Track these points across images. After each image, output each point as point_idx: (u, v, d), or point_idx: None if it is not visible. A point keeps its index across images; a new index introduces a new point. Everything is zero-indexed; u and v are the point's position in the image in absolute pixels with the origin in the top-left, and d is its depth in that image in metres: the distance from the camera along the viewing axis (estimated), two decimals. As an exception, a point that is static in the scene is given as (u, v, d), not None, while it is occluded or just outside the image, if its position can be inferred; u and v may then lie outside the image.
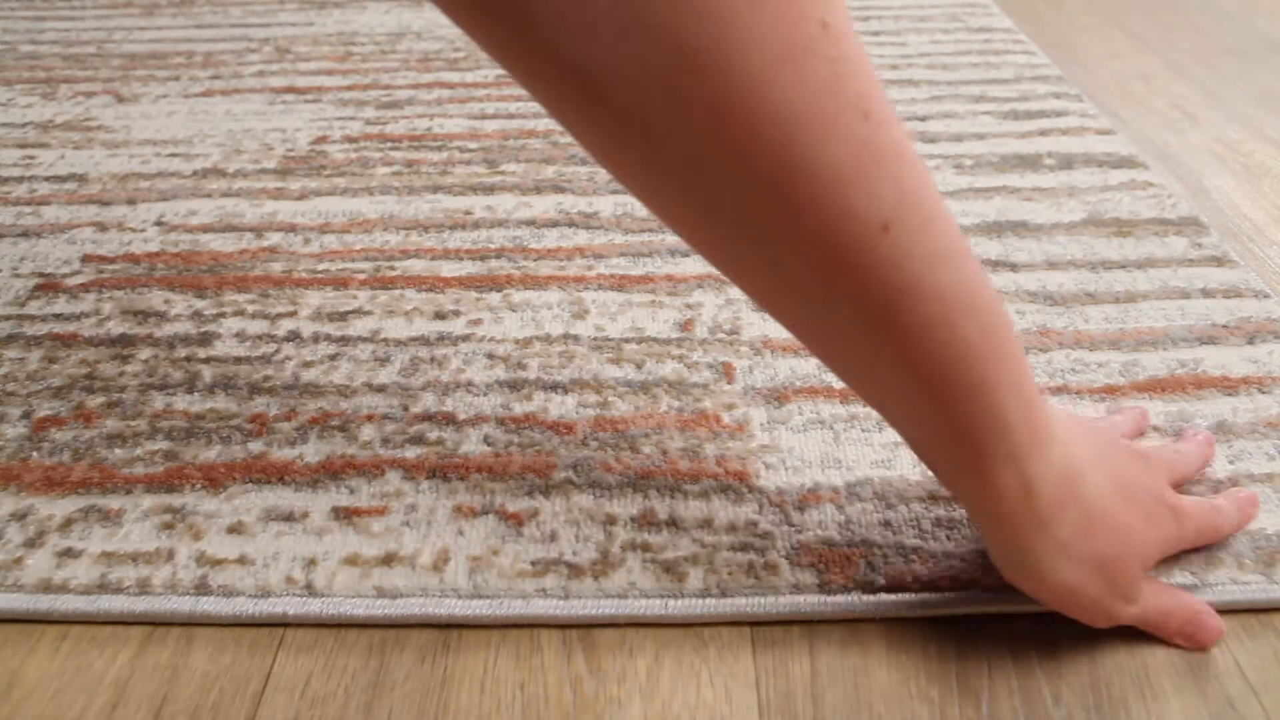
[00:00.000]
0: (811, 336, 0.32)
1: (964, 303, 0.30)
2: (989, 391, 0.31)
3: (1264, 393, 0.48)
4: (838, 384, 0.49)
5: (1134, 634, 0.38)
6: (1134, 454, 0.39)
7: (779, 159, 0.26)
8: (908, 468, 0.44)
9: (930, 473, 0.40)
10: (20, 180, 0.70)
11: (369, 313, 0.55)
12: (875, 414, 0.47)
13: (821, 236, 0.27)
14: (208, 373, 0.51)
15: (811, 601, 0.38)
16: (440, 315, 0.55)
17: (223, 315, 0.55)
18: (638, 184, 0.30)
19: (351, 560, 0.40)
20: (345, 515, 0.42)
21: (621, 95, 0.26)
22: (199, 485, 0.44)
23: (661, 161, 0.27)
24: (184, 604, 0.39)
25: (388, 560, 0.40)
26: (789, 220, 0.27)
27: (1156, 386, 0.49)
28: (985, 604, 0.38)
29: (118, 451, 0.46)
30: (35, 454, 0.46)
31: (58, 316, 0.55)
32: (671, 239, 0.61)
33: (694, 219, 0.29)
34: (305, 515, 0.42)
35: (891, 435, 0.46)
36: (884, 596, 0.39)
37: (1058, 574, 0.34)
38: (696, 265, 0.59)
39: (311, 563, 0.40)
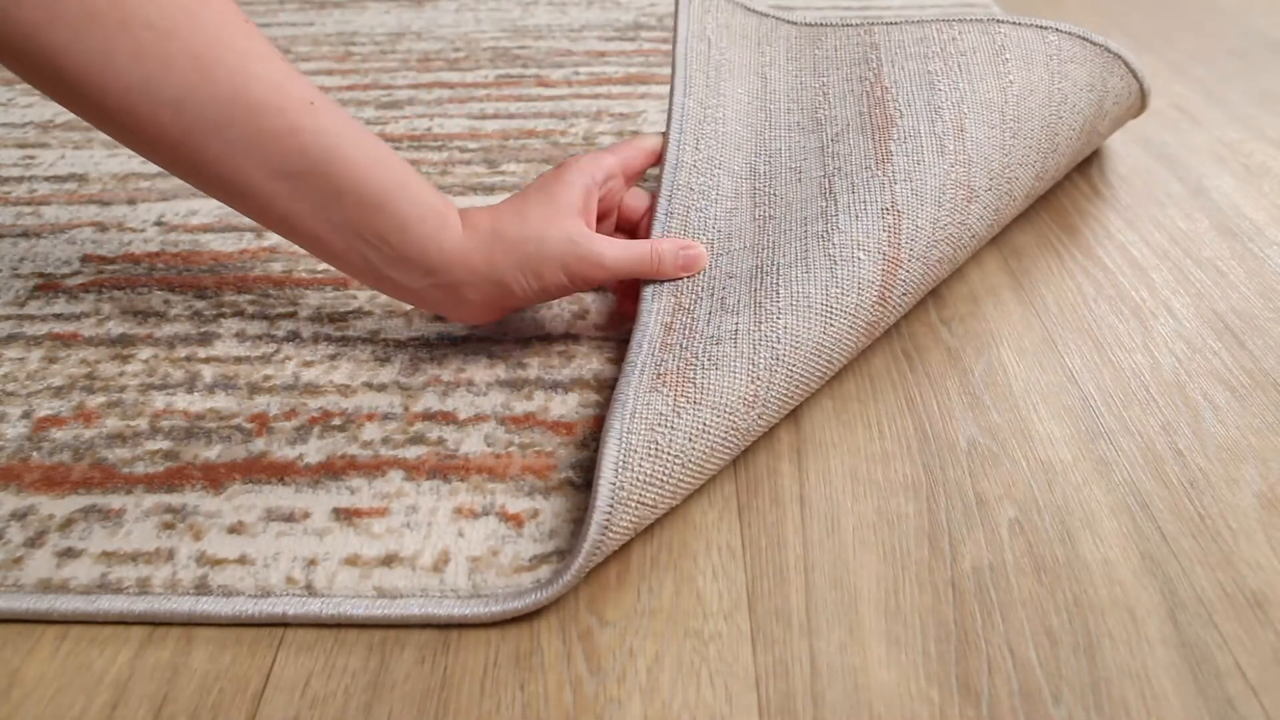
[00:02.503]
0: (277, 207, 0.44)
1: (375, 141, 0.44)
2: (412, 185, 0.44)
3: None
4: (838, 384, 0.49)
5: (1133, 634, 0.38)
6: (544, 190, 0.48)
7: (239, 75, 0.41)
8: (907, 468, 0.44)
9: None
10: (20, 180, 0.70)
11: (369, 313, 0.55)
12: (875, 414, 0.47)
13: (276, 112, 0.41)
14: (208, 373, 0.51)
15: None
16: (440, 315, 0.55)
17: (223, 315, 0.55)
18: (132, 128, 0.41)
19: (352, 561, 0.40)
20: (346, 516, 0.42)
21: (120, 64, 0.40)
22: (199, 485, 0.44)
23: (152, 98, 0.40)
24: (184, 604, 0.39)
25: (388, 561, 0.40)
26: (251, 106, 0.41)
27: (1156, 386, 0.49)
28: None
29: (118, 451, 0.46)
30: (35, 454, 0.46)
31: (58, 316, 0.55)
32: (671, 239, 0.61)
33: (178, 139, 0.41)
34: (306, 515, 0.43)
35: (891, 435, 0.46)
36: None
37: (522, 277, 0.46)
38: (696, 265, 0.59)
39: (312, 563, 0.40)
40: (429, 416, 0.48)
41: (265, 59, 0.41)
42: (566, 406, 0.48)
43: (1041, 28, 0.58)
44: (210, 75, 0.40)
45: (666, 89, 0.82)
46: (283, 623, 0.39)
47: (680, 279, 0.48)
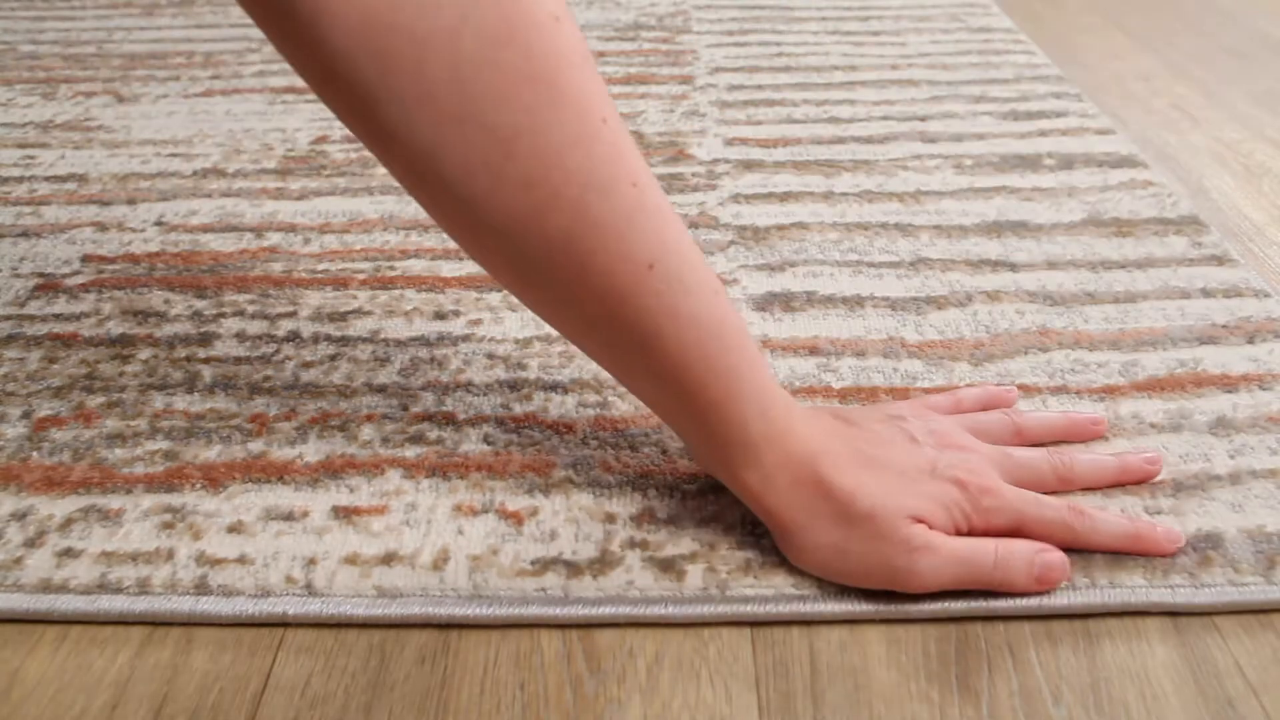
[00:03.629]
0: (599, 355, 0.39)
1: (713, 326, 0.37)
2: (730, 400, 0.37)
3: (1265, 389, 0.48)
4: (837, 384, 0.49)
5: (1134, 634, 0.38)
6: (892, 432, 0.41)
7: (572, 215, 0.34)
8: (907, 468, 0.44)
9: None
10: (20, 180, 0.70)
11: (369, 313, 0.55)
12: (875, 414, 0.47)
13: (604, 273, 0.35)
14: (208, 373, 0.51)
15: (811, 599, 0.38)
16: (440, 315, 0.55)
17: (223, 315, 0.55)
18: (464, 241, 0.37)
19: (351, 559, 0.40)
20: (345, 514, 0.42)
21: (450, 169, 0.33)
22: (199, 485, 0.44)
23: (481, 222, 0.34)
24: (184, 604, 0.39)
25: (388, 559, 0.40)
26: (579, 262, 0.34)
27: (1156, 386, 0.49)
28: (985, 604, 0.38)
29: (118, 451, 0.46)
30: (35, 454, 0.46)
31: (58, 316, 0.55)
32: (671, 239, 0.61)
33: (508, 267, 0.36)
34: (305, 514, 0.42)
35: (891, 435, 0.46)
36: (883, 596, 0.39)
37: (820, 549, 0.38)
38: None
39: (311, 562, 0.40)
40: (428, 417, 0.48)
41: (614, 187, 0.34)
42: (566, 407, 0.48)
43: None
44: (541, 211, 0.34)
45: (666, 89, 0.83)
46: (283, 623, 0.39)
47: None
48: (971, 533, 0.39)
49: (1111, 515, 0.40)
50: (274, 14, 0.31)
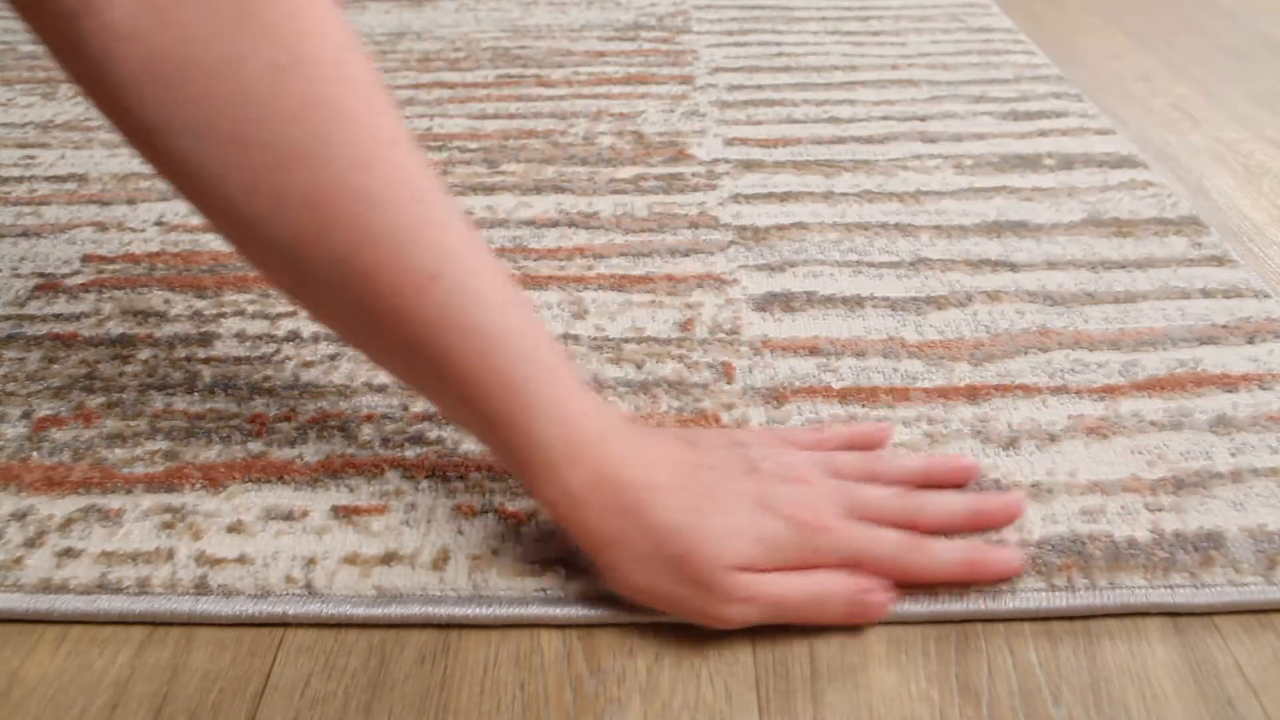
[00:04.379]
0: (396, 371, 0.40)
1: (502, 336, 0.36)
2: (525, 414, 0.36)
3: (1265, 389, 0.48)
4: (836, 385, 0.49)
5: (1134, 634, 0.38)
6: (732, 462, 0.39)
7: (353, 232, 0.34)
8: (907, 468, 0.44)
9: None
10: (20, 180, 0.70)
11: (369, 313, 0.55)
12: (874, 415, 0.47)
13: (388, 288, 0.35)
14: (208, 373, 0.51)
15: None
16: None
17: (223, 315, 0.55)
18: (254, 261, 0.37)
19: (351, 559, 0.40)
20: (345, 514, 0.42)
21: (235, 191, 0.34)
22: (199, 485, 0.44)
23: (267, 241, 0.35)
24: (184, 604, 0.39)
25: (387, 559, 0.40)
26: (363, 277, 0.35)
27: (1156, 385, 0.49)
28: (983, 610, 0.38)
29: (118, 451, 0.46)
30: (35, 454, 0.46)
31: (58, 316, 0.55)
32: (671, 239, 0.61)
33: (300, 288, 0.37)
34: (305, 514, 0.43)
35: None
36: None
37: (631, 574, 0.36)
38: (696, 265, 0.59)
39: (311, 562, 0.40)
40: (428, 417, 0.48)
41: (394, 204, 0.34)
42: (566, 406, 0.48)
43: None
44: (325, 230, 0.34)
45: (666, 89, 0.83)
46: (283, 623, 0.39)
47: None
48: (801, 568, 0.37)
49: (947, 545, 0.38)
50: (66, 50, 0.33)
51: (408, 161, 0.35)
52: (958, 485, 0.43)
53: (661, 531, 0.36)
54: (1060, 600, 0.38)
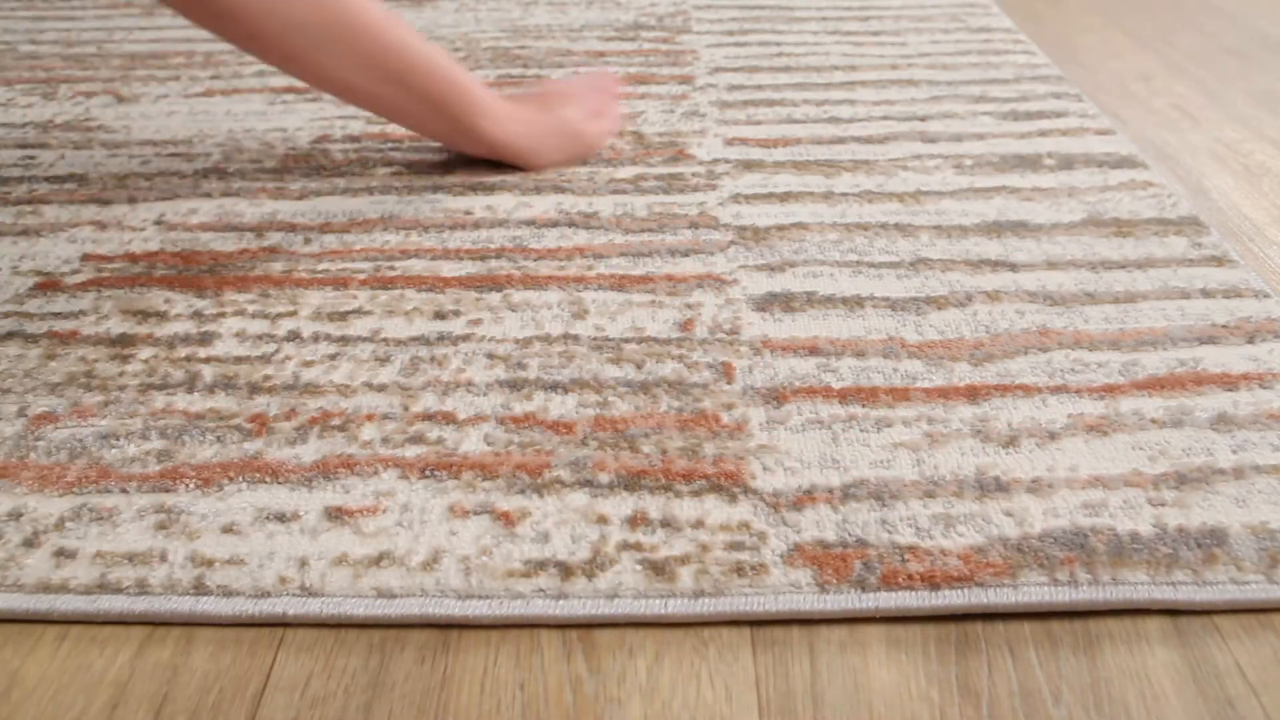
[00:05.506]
0: (371, 100, 0.62)
1: (437, 55, 0.62)
2: (464, 91, 0.64)
3: (1265, 388, 0.48)
4: (836, 384, 0.49)
5: (1134, 634, 0.38)
6: (560, 97, 0.72)
7: (353, 19, 0.57)
8: (906, 468, 0.44)
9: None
10: (20, 180, 0.70)
11: (369, 313, 0.55)
12: (874, 415, 0.47)
13: (373, 36, 0.58)
14: (208, 372, 0.51)
15: (808, 601, 0.38)
16: (440, 315, 0.55)
17: (223, 315, 0.55)
18: (268, 53, 0.58)
19: (344, 560, 0.40)
20: (338, 515, 0.42)
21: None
22: (193, 485, 0.44)
23: (278, 32, 0.55)
24: (183, 604, 0.39)
25: (380, 560, 0.40)
26: (349, 32, 0.58)
27: (1156, 385, 0.49)
28: (985, 603, 0.38)
29: (114, 450, 0.46)
30: (32, 453, 0.46)
31: (57, 315, 0.55)
32: (671, 239, 0.61)
33: (299, 54, 0.57)
34: (298, 515, 0.42)
35: (890, 436, 0.46)
36: (881, 594, 0.39)
37: (545, 155, 0.70)
38: (696, 265, 0.59)
39: (303, 563, 0.40)
40: (428, 416, 0.48)
41: (396, 26, 0.59)
42: (566, 406, 0.48)
43: None
44: (321, 5, 0.55)
45: (666, 89, 0.83)
46: (282, 623, 0.39)
47: None
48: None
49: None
50: None
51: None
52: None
53: (553, 122, 0.69)
54: (1063, 595, 0.38)
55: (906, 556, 0.40)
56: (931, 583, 0.39)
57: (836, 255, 0.59)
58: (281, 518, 0.42)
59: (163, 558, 0.41)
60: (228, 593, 0.39)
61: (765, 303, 0.55)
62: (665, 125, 0.76)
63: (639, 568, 0.40)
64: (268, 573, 0.40)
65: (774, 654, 0.37)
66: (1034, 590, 0.39)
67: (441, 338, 0.53)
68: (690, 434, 0.46)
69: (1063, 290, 0.56)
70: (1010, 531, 0.41)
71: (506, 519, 0.42)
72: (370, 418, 0.48)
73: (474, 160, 0.71)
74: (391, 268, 0.59)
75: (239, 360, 0.52)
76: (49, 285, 0.58)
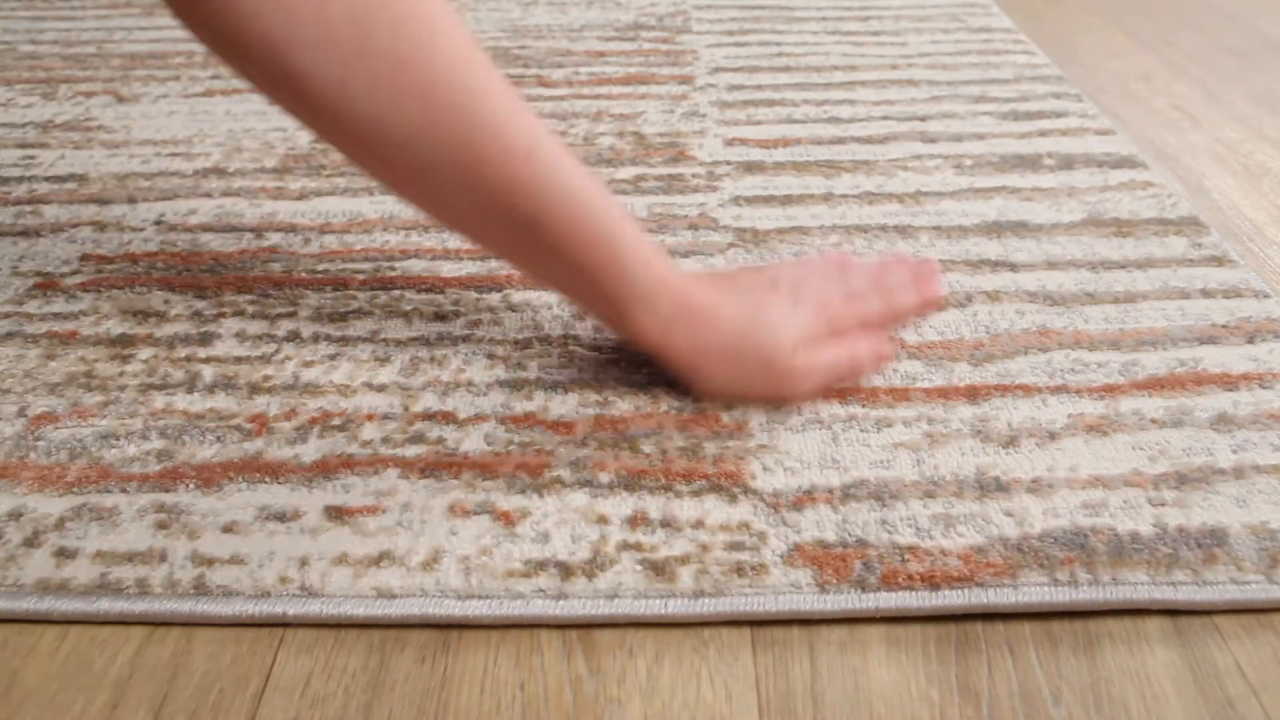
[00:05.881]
0: (500, 245, 0.46)
1: (588, 197, 0.43)
2: (617, 259, 0.44)
3: (1265, 388, 0.48)
4: (836, 383, 0.49)
5: (1134, 634, 0.38)
6: (760, 280, 0.48)
7: (461, 118, 0.41)
8: (906, 468, 0.44)
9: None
10: (20, 180, 0.70)
11: (369, 313, 0.55)
12: (874, 415, 0.47)
13: (493, 164, 0.41)
14: (208, 372, 0.51)
15: (808, 601, 0.39)
16: (440, 315, 0.55)
17: (223, 315, 0.55)
18: (374, 161, 0.43)
19: (344, 560, 0.40)
20: (338, 514, 0.42)
21: (357, 94, 0.39)
22: (193, 484, 0.44)
23: (386, 135, 0.40)
24: (184, 604, 0.39)
25: (381, 560, 0.40)
26: (471, 158, 0.41)
27: (1156, 385, 0.49)
28: (985, 603, 0.38)
29: (114, 450, 0.46)
30: (32, 453, 0.46)
31: (57, 315, 0.55)
32: (672, 240, 0.61)
33: (415, 175, 0.43)
34: (299, 515, 0.42)
35: (890, 436, 0.46)
36: (882, 594, 0.39)
37: (717, 376, 0.46)
38: (696, 266, 0.59)
39: (304, 562, 0.40)
40: (429, 416, 0.48)
41: (491, 94, 0.41)
42: (567, 406, 0.48)
43: None
44: (437, 117, 0.40)
45: (666, 89, 0.83)
46: (282, 623, 0.39)
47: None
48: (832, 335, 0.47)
49: (903, 282, 0.49)
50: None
51: (488, 60, 0.42)
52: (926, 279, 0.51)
53: (735, 333, 0.45)
54: (1063, 595, 0.38)
55: (906, 556, 0.40)
56: (931, 583, 0.39)
57: (836, 255, 0.59)
58: (282, 517, 0.42)
59: (163, 557, 0.41)
60: (228, 592, 0.39)
61: (765, 303, 0.55)
62: (665, 126, 0.76)
63: (639, 568, 0.40)
64: (268, 572, 0.40)
65: (774, 654, 0.37)
66: (1034, 590, 0.39)
67: (441, 338, 0.53)
68: (690, 434, 0.46)
69: (1063, 290, 0.56)
70: (1010, 531, 0.41)
71: (506, 519, 0.42)
72: (370, 417, 0.48)
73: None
74: (391, 268, 0.59)
75: (239, 360, 0.52)
76: (49, 285, 0.58)
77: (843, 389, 0.49)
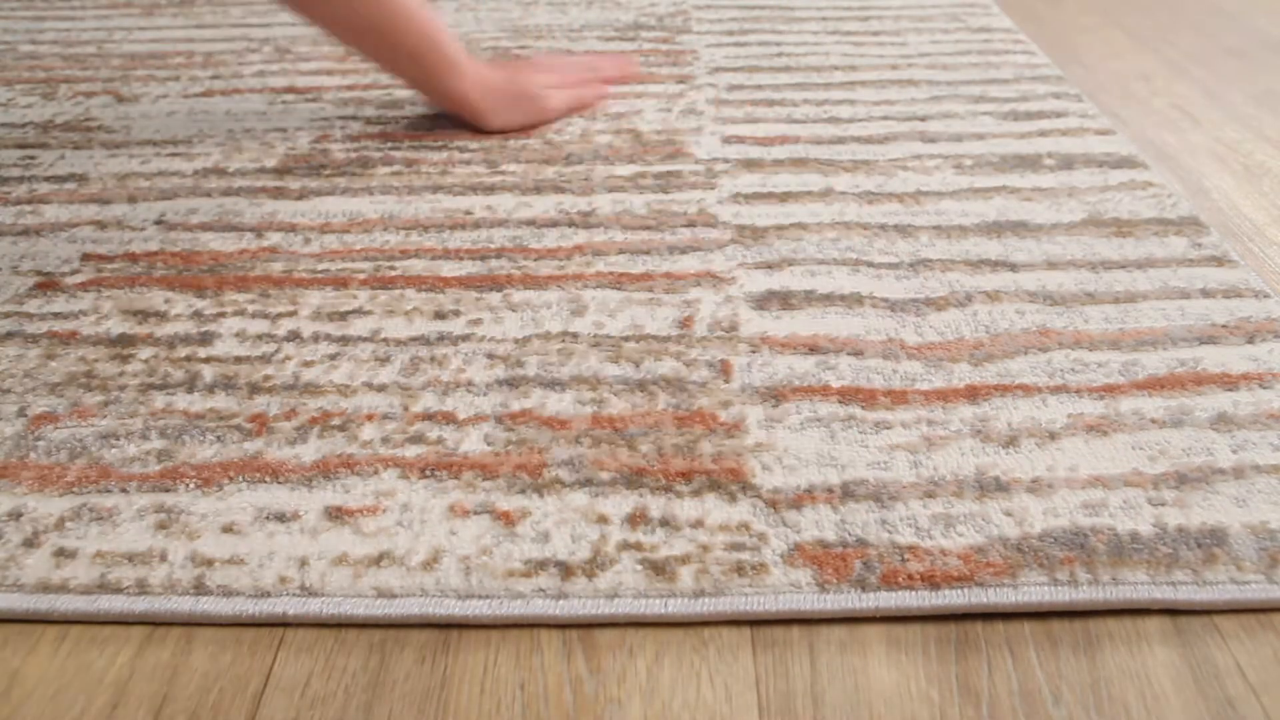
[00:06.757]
0: (365, 48, 0.70)
1: (421, 17, 0.68)
2: (438, 49, 0.70)
3: (1265, 388, 0.48)
4: (835, 383, 0.49)
5: (1134, 634, 0.38)
6: (526, 66, 0.79)
7: None
8: (905, 468, 0.44)
9: None
10: (20, 180, 0.70)
11: (369, 313, 0.55)
12: (872, 415, 0.47)
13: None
14: (208, 372, 0.51)
15: (808, 600, 0.39)
16: (440, 315, 0.55)
17: (223, 315, 0.55)
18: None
19: (344, 560, 0.40)
20: (338, 515, 0.42)
21: None
22: (193, 484, 0.44)
23: None
24: (184, 604, 0.39)
25: (380, 560, 0.40)
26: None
27: (1156, 385, 0.49)
28: (985, 603, 0.38)
29: (114, 450, 0.46)
30: (32, 453, 0.46)
31: (57, 315, 0.55)
32: (671, 238, 0.61)
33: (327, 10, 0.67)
34: (298, 515, 0.42)
35: (889, 436, 0.46)
36: (882, 594, 0.39)
37: (499, 117, 0.75)
38: (695, 263, 0.59)
39: (303, 562, 0.40)
40: (428, 416, 0.48)
41: None
42: (563, 403, 0.48)
43: None
44: None
45: (665, 88, 0.83)
46: (282, 623, 0.39)
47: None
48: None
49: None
50: None
51: None
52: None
53: (510, 87, 0.75)
54: (1063, 595, 0.38)
55: (906, 556, 0.40)
56: (931, 582, 0.39)
57: (835, 254, 0.59)
58: (281, 517, 0.42)
59: (163, 557, 0.41)
60: (228, 593, 0.39)
61: (764, 300, 0.55)
62: (664, 124, 0.76)
63: (639, 567, 0.40)
64: (268, 572, 0.40)
65: (774, 654, 0.37)
66: (1034, 590, 0.39)
67: (441, 338, 0.53)
68: (687, 432, 0.46)
69: (1063, 290, 0.56)
70: (1010, 531, 0.41)
71: (506, 519, 0.42)
72: (370, 417, 0.48)
73: (472, 160, 0.71)
74: (391, 268, 0.59)
75: (239, 360, 0.52)
76: (49, 285, 0.58)
77: (842, 390, 0.49)
